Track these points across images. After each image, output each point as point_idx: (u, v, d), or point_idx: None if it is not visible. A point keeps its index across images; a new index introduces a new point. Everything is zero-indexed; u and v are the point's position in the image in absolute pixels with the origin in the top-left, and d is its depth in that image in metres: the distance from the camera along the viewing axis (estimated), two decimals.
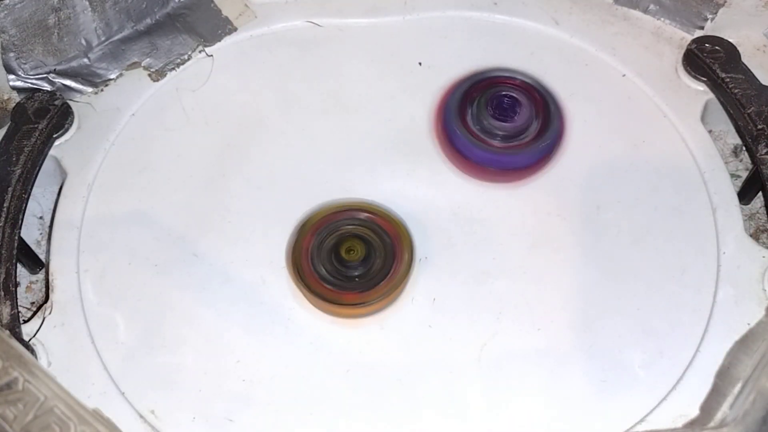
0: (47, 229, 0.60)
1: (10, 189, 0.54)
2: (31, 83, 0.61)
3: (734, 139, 0.62)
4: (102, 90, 0.62)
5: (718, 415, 0.43)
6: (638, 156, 0.58)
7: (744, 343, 0.49)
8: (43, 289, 0.56)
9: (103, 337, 0.52)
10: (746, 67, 0.59)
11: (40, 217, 0.61)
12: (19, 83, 0.61)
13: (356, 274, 0.52)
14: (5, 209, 0.53)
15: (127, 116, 0.61)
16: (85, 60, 0.62)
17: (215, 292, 0.53)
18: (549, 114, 0.57)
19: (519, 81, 0.59)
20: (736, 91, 0.57)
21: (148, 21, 0.64)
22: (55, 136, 0.59)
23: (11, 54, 0.59)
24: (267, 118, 0.61)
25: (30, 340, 0.51)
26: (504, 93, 0.57)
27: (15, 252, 0.52)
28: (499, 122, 0.56)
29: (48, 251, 0.55)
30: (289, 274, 0.53)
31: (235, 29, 0.65)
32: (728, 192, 0.56)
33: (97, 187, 0.58)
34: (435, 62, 0.63)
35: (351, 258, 0.52)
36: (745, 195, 0.58)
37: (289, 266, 0.53)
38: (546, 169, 0.57)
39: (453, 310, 0.53)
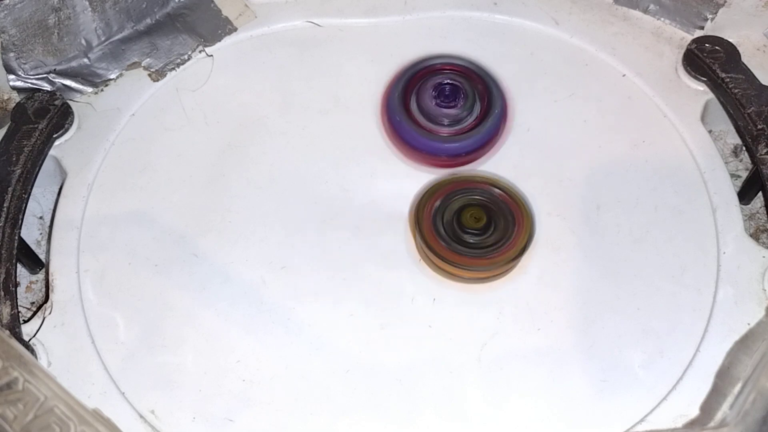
0: (47, 229, 0.60)
1: (10, 189, 0.54)
2: (31, 83, 0.61)
3: (734, 139, 0.62)
4: (102, 90, 0.62)
5: (718, 415, 0.43)
6: (638, 156, 0.58)
7: (744, 343, 0.49)
8: (43, 289, 0.56)
9: (103, 337, 0.52)
10: (746, 67, 0.59)
11: (40, 217, 0.61)
12: (19, 83, 0.61)
13: (472, 241, 0.52)
14: (5, 209, 0.54)
15: (127, 116, 0.61)
16: (85, 60, 0.62)
17: (215, 292, 0.53)
18: (491, 97, 0.57)
19: (458, 66, 0.59)
20: (736, 91, 0.58)
21: (148, 21, 0.64)
22: (55, 136, 0.59)
23: (11, 54, 0.59)
24: (267, 118, 0.61)
25: (30, 340, 0.51)
26: (444, 80, 0.57)
27: (15, 252, 0.53)
28: (443, 109, 0.56)
29: (48, 251, 0.55)
30: (409, 222, 0.55)
31: (235, 29, 0.65)
32: (728, 192, 0.56)
33: (97, 187, 0.58)
34: None
35: (473, 225, 0.52)
36: (745, 195, 0.58)
37: (411, 217, 0.54)
38: (493, 150, 0.57)
39: (453, 310, 0.53)
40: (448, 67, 0.58)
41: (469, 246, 0.52)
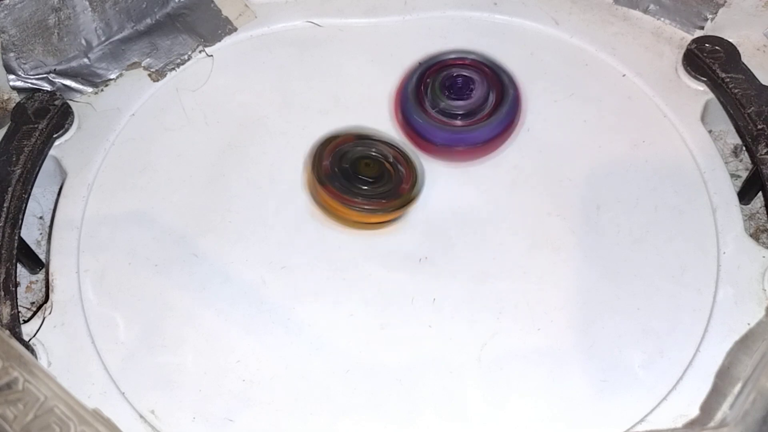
0: (47, 229, 0.60)
1: (10, 189, 0.54)
2: (31, 83, 0.61)
3: (734, 139, 0.62)
4: (102, 90, 0.62)
5: (718, 415, 0.43)
6: (638, 156, 0.58)
7: (744, 343, 0.49)
8: (43, 289, 0.56)
9: (103, 337, 0.52)
10: (746, 67, 0.59)
11: (40, 217, 0.61)
12: (19, 83, 0.61)
13: (364, 188, 0.54)
14: (5, 209, 0.54)
15: (127, 116, 0.61)
16: (85, 60, 0.62)
17: (215, 292, 0.53)
18: (503, 86, 0.58)
19: (468, 60, 0.59)
20: (736, 91, 0.58)
21: (148, 21, 0.64)
22: (55, 136, 0.59)
23: (11, 54, 0.59)
24: (267, 118, 0.61)
25: (30, 340, 0.51)
26: (455, 73, 0.58)
27: (15, 252, 0.53)
28: (456, 101, 0.57)
29: (48, 251, 0.55)
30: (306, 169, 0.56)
31: (235, 29, 0.65)
32: (728, 192, 0.56)
33: (97, 187, 0.58)
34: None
35: (366, 172, 0.54)
36: (745, 195, 0.58)
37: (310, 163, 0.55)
38: (509, 140, 0.58)
39: (453, 310, 0.53)
40: (458, 62, 0.59)
41: (359, 191, 0.54)
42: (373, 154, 0.55)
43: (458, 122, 0.57)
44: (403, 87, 0.59)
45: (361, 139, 0.56)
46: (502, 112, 0.56)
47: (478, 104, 0.57)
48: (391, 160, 0.55)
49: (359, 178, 0.54)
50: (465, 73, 0.58)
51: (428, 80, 0.58)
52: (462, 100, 0.57)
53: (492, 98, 0.57)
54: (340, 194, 0.54)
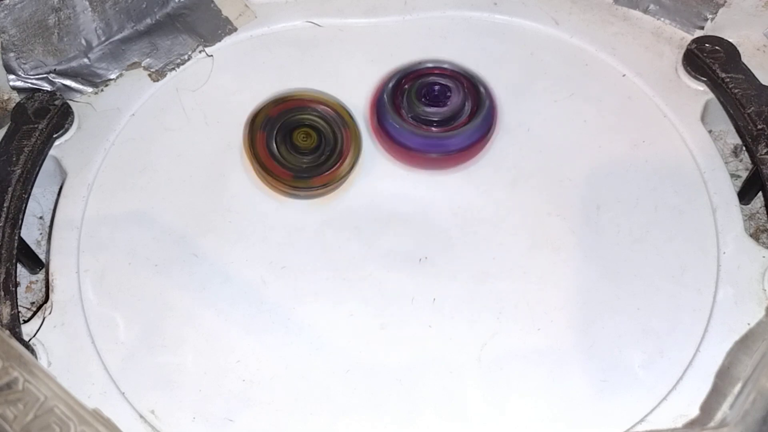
0: (47, 229, 0.60)
1: (10, 189, 0.54)
2: (31, 83, 0.61)
3: (734, 139, 0.62)
4: (102, 90, 0.62)
5: (718, 415, 0.43)
6: (638, 156, 0.58)
7: (744, 343, 0.49)
8: (43, 289, 0.56)
9: (103, 337, 0.52)
10: (746, 67, 0.59)
11: (40, 217, 0.61)
12: (19, 83, 0.61)
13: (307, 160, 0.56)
14: (5, 209, 0.54)
15: (127, 116, 0.61)
16: (85, 60, 0.62)
17: (215, 292, 0.53)
18: (479, 95, 0.58)
19: (446, 69, 0.59)
20: (736, 91, 0.58)
21: (148, 21, 0.64)
22: (55, 136, 0.59)
23: (11, 54, 0.59)
24: None
25: (30, 340, 0.51)
26: (433, 81, 0.58)
27: (15, 252, 0.52)
28: (432, 108, 0.57)
29: (48, 251, 0.55)
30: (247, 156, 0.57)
31: (235, 29, 0.65)
32: (728, 192, 0.56)
33: (97, 187, 0.58)
34: None
35: (305, 145, 0.56)
36: (745, 195, 0.58)
37: (247, 149, 0.57)
38: (486, 148, 0.58)
39: (453, 310, 0.53)
40: (435, 70, 0.59)
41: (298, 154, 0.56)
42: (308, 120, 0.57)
43: (434, 128, 0.57)
44: (379, 93, 0.59)
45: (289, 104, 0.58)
46: (477, 120, 0.56)
47: (454, 112, 0.57)
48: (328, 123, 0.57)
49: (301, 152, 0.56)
50: (442, 81, 0.58)
51: (405, 87, 0.58)
52: (438, 107, 0.57)
53: (468, 107, 0.57)
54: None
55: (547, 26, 0.64)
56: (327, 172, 0.56)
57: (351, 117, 0.58)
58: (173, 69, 0.63)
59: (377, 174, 0.58)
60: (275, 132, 0.57)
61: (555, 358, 0.51)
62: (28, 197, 0.55)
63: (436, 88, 0.58)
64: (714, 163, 0.57)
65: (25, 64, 0.60)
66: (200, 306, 0.53)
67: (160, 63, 0.63)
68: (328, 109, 0.58)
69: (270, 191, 0.57)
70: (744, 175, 0.60)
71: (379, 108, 0.58)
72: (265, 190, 0.57)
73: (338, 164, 0.56)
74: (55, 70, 0.61)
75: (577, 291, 0.53)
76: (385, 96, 0.58)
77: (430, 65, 0.59)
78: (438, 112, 0.57)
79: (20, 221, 0.54)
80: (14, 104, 0.60)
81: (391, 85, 0.58)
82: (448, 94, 0.57)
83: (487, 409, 0.49)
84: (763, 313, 0.51)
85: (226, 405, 0.50)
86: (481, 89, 0.58)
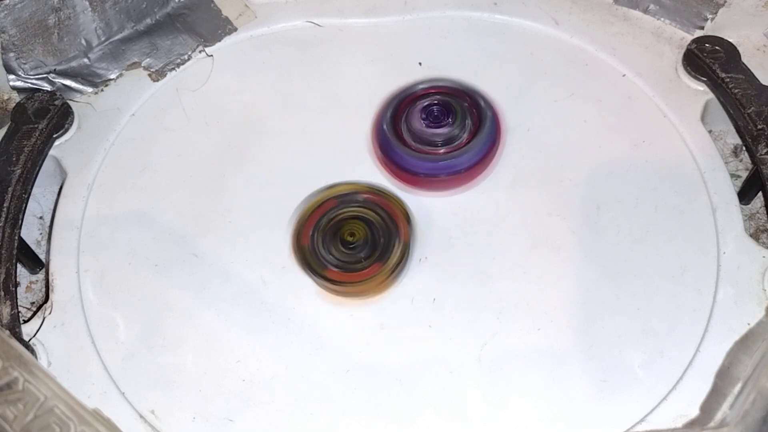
0: (47, 229, 0.60)
1: (10, 189, 0.54)
2: (31, 83, 0.61)
3: (734, 139, 0.62)
4: (102, 90, 0.62)
5: (718, 415, 0.43)
6: (638, 156, 0.58)
7: (744, 343, 0.49)
8: (43, 289, 0.56)
9: (103, 337, 0.52)
10: (746, 67, 0.59)
11: (40, 217, 0.61)
12: (19, 83, 0.61)
13: (362, 254, 0.52)
14: (5, 209, 0.54)
15: (127, 116, 0.61)
16: (85, 60, 0.62)
17: (215, 292, 0.53)
18: (480, 109, 0.57)
19: (442, 87, 0.58)
20: (736, 91, 0.57)
21: (148, 21, 0.64)
22: (55, 136, 0.59)
23: (11, 54, 0.59)
24: (267, 118, 0.61)
25: (30, 340, 0.51)
26: (431, 102, 0.57)
27: (15, 252, 0.52)
28: (436, 129, 0.56)
29: (48, 251, 0.55)
30: (300, 266, 0.53)
31: (235, 29, 0.65)
32: (728, 192, 0.56)
33: (97, 187, 0.58)
34: (435, 62, 0.63)
35: (355, 240, 0.52)
36: (745, 195, 0.58)
37: (298, 259, 0.53)
38: (493, 163, 0.57)
39: (453, 310, 0.53)
40: (431, 90, 0.58)
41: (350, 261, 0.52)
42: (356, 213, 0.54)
43: (440, 150, 0.56)
44: (378, 122, 0.58)
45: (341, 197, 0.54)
46: (482, 135, 0.56)
47: (457, 130, 0.56)
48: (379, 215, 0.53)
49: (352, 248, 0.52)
50: (440, 100, 0.57)
51: (404, 112, 0.57)
52: (441, 128, 0.56)
53: (470, 122, 0.57)
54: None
55: (547, 26, 0.64)
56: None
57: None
58: (173, 69, 0.63)
59: (377, 174, 0.58)
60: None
61: (555, 358, 0.51)
62: (28, 197, 0.55)
63: (436, 108, 0.57)
64: (714, 163, 0.57)
65: (25, 64, 0.60)
66: (200, 306, 0.53)
67: (160, 63, 0.63)
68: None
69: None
70: (744, 175, 0.60)
71: (381, 138, 0.57)
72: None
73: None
74: (55, 70, 0.61)
75: (577, 291, 0.53)
76: (384, 125, 0.57)
77: (425, 86, 0.59)
78: (441, 132, 0.56)
79: (20, 221, 0.54)
80: (14, 104, 0.60)
81: (389, 113, 0.57)
82: (449, 112, 0.57)
83: (487, 409, 0.49)
84: (763, 313, 0.51)
85: (226, 405, 0.50)
86: (481, 102, 0.57)
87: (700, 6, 0.63)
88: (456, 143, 0.56)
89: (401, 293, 0.53)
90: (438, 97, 0.58)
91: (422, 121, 0.57)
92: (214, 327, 0.52)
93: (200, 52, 0.64)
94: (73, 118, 0.60)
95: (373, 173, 0.58)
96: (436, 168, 0.56)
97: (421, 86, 0.59)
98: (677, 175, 0.57)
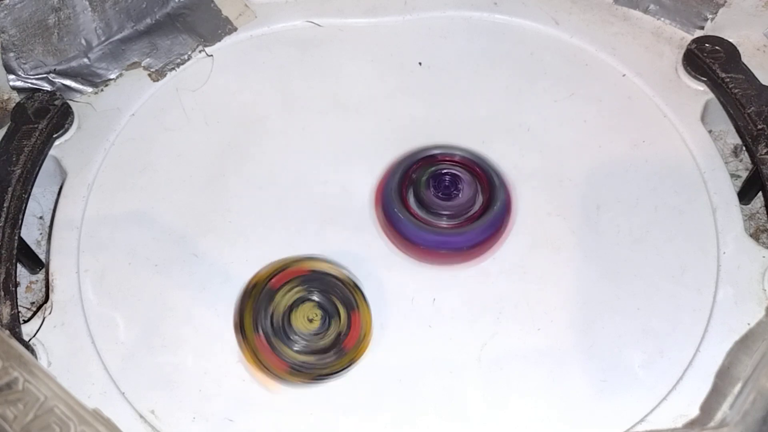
0: (47, 229, 0.60)
1: (10, 189, 0.54)
2: (31, 83, 0.61)
3: (734, 139, 0.62)
4: (102, 90, 0.62)
5: (718, 415, 0.43)
6: (638, 156, 0.58)
7: (744, 343, 0.49)
8: (43, 289, 0.56)
9: (103, 337, 0.52)
10: (746, 67, 0.59)
11: (40, 217, 0.61)
12: (19, 83, 0.61)
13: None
14: (5, 209, 0.54)
15: (127, 116, 0.61)
16: (85, 60, 0.62)
17: (215, 292, 0.53)
18: (492, 186, 0.53)
19: (457, 157, 0.54)
20: (736, 91, 0.58)
21: (148, 21, 0.64)
22: (55, 136, 0.59)
23: (11, 54, 0.59)
24: (267, 118, 0.61)
25: (30, 340, 0.51)
26: (444, 170, 0.53)
27: (15, 252, 0.52)
28: (443, 201, 0.52)
29: (48, 251, 0.55)
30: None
31: (235, 29, 0.65)
32: (728, 192, 0.56)
33: (97, 187, 0.58)
34: (435, 62, 0.63)
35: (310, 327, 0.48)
36: (745, 195, 0.58)
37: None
38: (500, 242, 0.53)
39: (453, 310, 0.53)
40: (446, 158, 0.54)
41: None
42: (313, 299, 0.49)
43: (443, 224, 0.52)
44: (385, 183, 0.54)
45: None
46: (491, 215, 0.52)
47: (465, 206, 0.52)
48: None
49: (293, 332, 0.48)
50: (453, 170, 0.53)
51: (413, 176, 0.53)
52: (449, 201, 0.52)
53: (480, 199, 0.53)
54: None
55: (547, 26, 0.64)
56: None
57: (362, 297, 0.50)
58: (173, 69, 0.63)
59: (377, 174, 0.58)
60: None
61: (555, 358, 0.51)
62: (28, 197, 0.55)
63: (447, 178, 0.53)
64: (714, 163, 0.57)
65: (25, 64, 0.60)
66: (200, 306, 0.53)
67: (160, 63, 0.63)
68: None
69: None
70: (744, 175, 0.60)
71: (385, 199, 0.53)
72: None
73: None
74: (55, 70, 0.61)
75: (577, 291, 0.53)
76: (391, 187, 0.53)
77: (438, 152, 0.54)
78: (448, 205, 0.52)
79: (20, 221, 0.54)
80: (14, 104, 0.60)
81: (398, 175, 0.53)
82: (459, 185, 0.53)
83: (487, 409, 0.49)
84: (763, 313, 0.51)
85: (226, 405, 0.50)
86: (495, 179, 0.53)
87: (700, 6, 0.63)
88: (462, 219, 0.52)
89: (401, 293, 0.53)
90: (452, 167, 0.53)
91: (431, 190, 0.52)
92: (214, 327, 0.52)
93: (200, 52, 0.64)
94: (73, 118, 0.60)
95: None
96: (438, 242, 0.52)
97: (436, 151, 0.54)
98: (677, 175, 0.57)
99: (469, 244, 0.52)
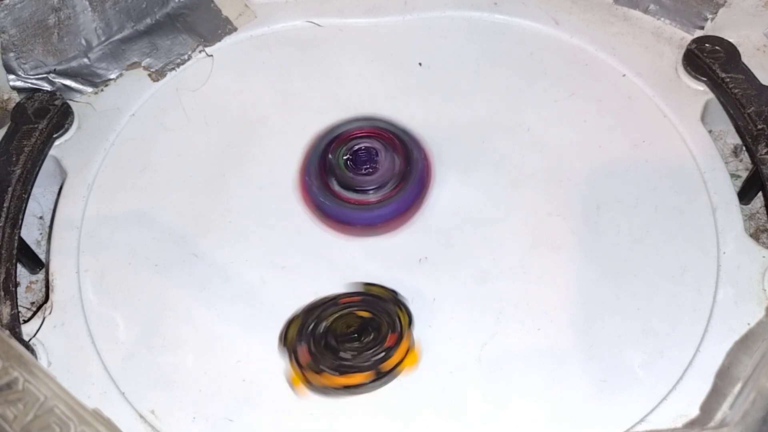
0: (47, 229, 0.60)
1: (10, 189, 0.54)
2: (31, 83, 0.61)
3: (734, 139, 0.62)
4: (102, 90, 0.62)
5: (718, 415, 0.43)
6: (638, 156, 0.58)
7: (744, 343, 0.49)
8: (43, 289, 0.56)
9: (103, 337, 0.52)
10: (746, 67, 0.59)
11: (40, 217, 0.61)
12: (19, 83, 0.61)
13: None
14: (5, 209, 0.54)
15: (127, 116, 0.61)
16: (85, 60, 0.62)
17: (215, 292, 0.53)
18: (407, 149, 0.54)
19: (372, 129, 0.55)
20: (736, 91, 0.57)
21: (148, 21, 0.64)
22: (55, 136, 0.59)
23: (11, 54, 0.59)
24: (267, 118, 0.61)
25: (30, 340, 0.51)
26: (357, 146, 0.54)
27: (15, 252, 0.52)
28: (361, 177, 0.53)
29: (48, 251, 0.55)
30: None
31: (235, 29, 0.65)
32: (728, 192, 0.56)
33: (97, 187, 0.58)
34: (435, 62, 0.63)
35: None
36: (745, 195, 0.58)
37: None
38: (425, 203, 0.55)
39: (453, 310, 0.53)
40: (357, 133, 0.55)
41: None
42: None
43: (364, 197, 0.53)
44: (306, 162, 0.55)
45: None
46: (408, 186, 0.53)
47: (385, 178, 0.53)
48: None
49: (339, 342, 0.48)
50: (367, 144, 0.54)
51: (330, 156, 0.54)
52: (367, 175, 0.53)
53: (399, 163, 0.54)
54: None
55: (547, 26, 0.64)
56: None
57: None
58: (173, 69, 0.63)
59: None
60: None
61: (555, 358, 0.51)
62: (28, 197, 0.55)
63: (362, 153, 0.54)
64: (714, 163, 0.57)
65: (25, 64, 0.60)
66: (200, 306, 0.53)
67: (160, 63, 0.63)
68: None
69: None
70: (744, 175, 0.60)
71: (306, 178, 0.54)
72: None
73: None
74: (55, 70, 0.61)
75: (577, 291, 0.53)
76: (310, 166, 0.54)
77: (352, 126, 0.55)
78: (367, 180, 0.53)
79: (20, 221, 0.54)
80: (14, 104, 0.60)
81: (316, 157, 0.54)
82: (376, 156, 0.54)
83: (487, 409, 0.49)
84: (763, 313, 0.51)
85: (226, 405, 0.50)
86: (407, 140, 0.54)
87: (700, 6, 0.63)
88: (384, 191, 0.53)
89: (401, 293, 0.53)
90: (366, 140, 0.54)
91: (348, 165, 0.53)
92: (214, 327, 0.52)
93: (200, 52, 0.64)
94: (73, 118, 0.60)
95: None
96: (358, 218, 0.53)
97: (349, 126, 0.55)
98: (677, 175, 0.57)
99: (391, 216, 0.54)
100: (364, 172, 0.54)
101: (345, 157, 0.54)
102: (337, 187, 0.54)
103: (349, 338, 0.48)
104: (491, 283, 0.53)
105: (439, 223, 0.56)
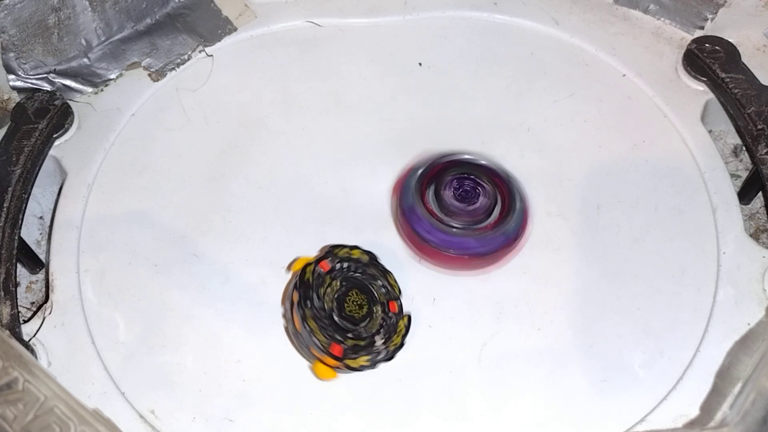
0: (47, 229, 0.60)
1: (10, 189, 0.54)
2: (31, 83, 0.61)
3: (734, 139, 0.62)
4: (102, 90, 0.62)
5: (718, 415, 0.43)
6: (638, 156, 0.58)
7: (744, 343, 0.49)
8: (43, 289, 0.56)
9: (103, 337, 0.52)
10: (746, 67, 0.59)
11: (40, 217, 0.61)
12: (19, 83, 0.61)
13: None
14: (5, 209, 0.54)
15: (127, 116, 0.61)
16: (85, 60, 0.62)
17: (215, 292, 0.53)
18: (512, 197, 0.53)
19: (480, 165, 0.54)
20: (736, 91, 0.58)
21: (148, 21, 0.64)
22: (55, 136, 0.59)
23: (11, 54, 0.59)
24: (267, 118, 0.61)
25: (30, 340, 0.51)
26: (466, 175, 0.53)
27: (15, 252, 0.52)
28: (461, 204, 0.52)
29: (48, 251, 0.55)
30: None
31: (235, 29, 0.65)
32: (728, 192, 0.56)
33: (97, 187, 0.58)
34: (435, 62, 0.63)
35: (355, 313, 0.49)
36: (745, 195, 0.58)
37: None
38: (512, 254, 0.53)
39: (453, 310, 0.53)
40: (472, 165, 0.54)
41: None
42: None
43: (457, 226, 0.52)
44: (406, 175, 0.54)
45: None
46: (507, 225, 0.52)
47: (482, 213, 0.52)
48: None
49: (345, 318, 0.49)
50: (474, 177, 0.53)
51: (433, 176, 0.53)
52: (468, 205, 0.52)
53: (498, 209, 0.53)
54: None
55: (547, 26, 0.64)
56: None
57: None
58: (173, 69, 0.63)
59: (377, 174, 0.58)
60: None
61: (555, 358, 0.51)
62: (28, 197, 0.55)
63: (468, 183, 0.53)
64: (714, 163, 0.57)
65: (25, 64, 0.60)
66: (200, 306, 0.53)
67: (160, 63, 0.63)
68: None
69: None
70: (744, 175, 0.60)
71: (403, 190, 0.54)
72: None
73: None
74: (55, 70, 0.61)
75: (577, 291, 0.53)
76: (412, 180, 0.53)
77: (466, 157, 0.54)
78: (465, 209, 0.52)
79: (20, 221, 0.54)
80: (14, 104, 0.60)
81: (420, 170, 0.54)
82: (479, 191, 0.53)
83: (487, 409, 0.49)
84: (763, 313, 0.51)
85: (226, 405, 0.50)
86: (516, 193, 0.53)
87: (700, 6, 0.63)
88: (478, 225, 0.52)
89: (401, 293, 0.53)
90: (474, 173, 0.53)
91: (450, 191, 0.52)
92: (214, 327, 0.52)
93: (200, 52, 0.64)
94: (73, 118, 0.60)
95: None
96: (449, 242, 0.52)
97: (462, 157, 0.55)
98: (677, 175, 0.57)
99: (482, 251, 0.52)
100: (463, 200, 0.53)
101: (449, 182, 0.53)
102: (431, 203, 0.53)
103: (364, 318, 0.49)
104: (491, 283, 0.53)
105: None
